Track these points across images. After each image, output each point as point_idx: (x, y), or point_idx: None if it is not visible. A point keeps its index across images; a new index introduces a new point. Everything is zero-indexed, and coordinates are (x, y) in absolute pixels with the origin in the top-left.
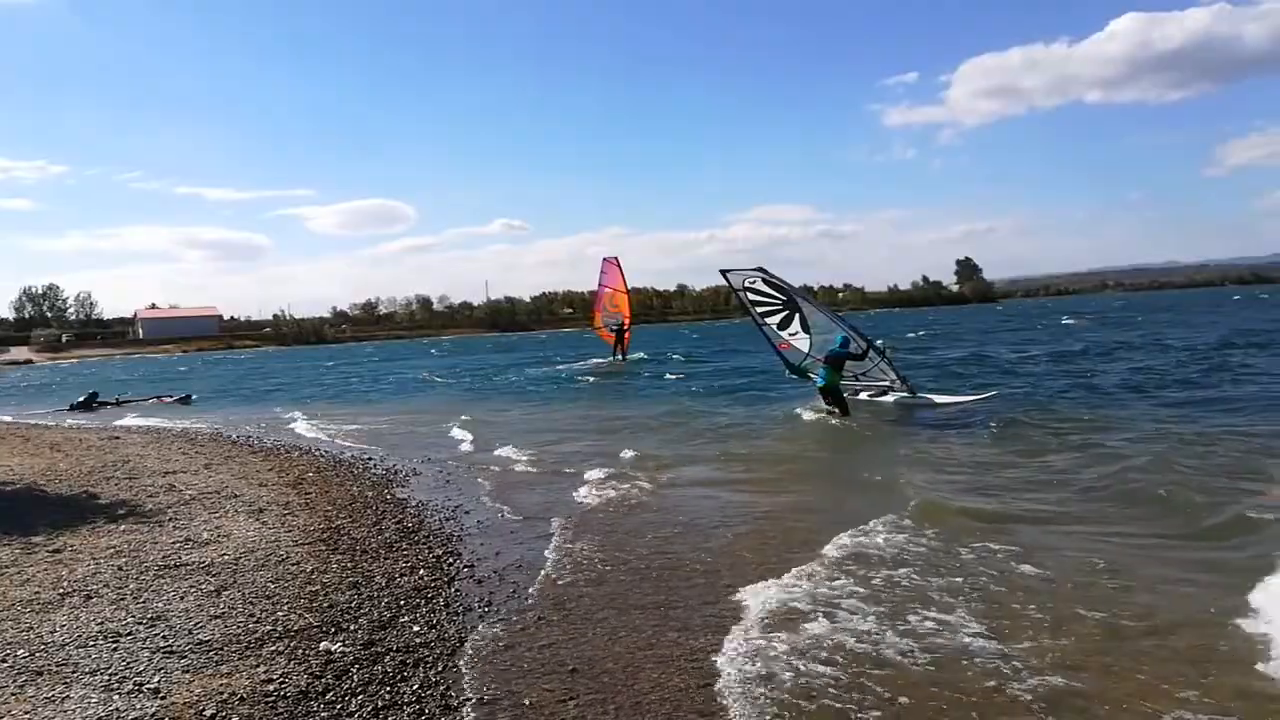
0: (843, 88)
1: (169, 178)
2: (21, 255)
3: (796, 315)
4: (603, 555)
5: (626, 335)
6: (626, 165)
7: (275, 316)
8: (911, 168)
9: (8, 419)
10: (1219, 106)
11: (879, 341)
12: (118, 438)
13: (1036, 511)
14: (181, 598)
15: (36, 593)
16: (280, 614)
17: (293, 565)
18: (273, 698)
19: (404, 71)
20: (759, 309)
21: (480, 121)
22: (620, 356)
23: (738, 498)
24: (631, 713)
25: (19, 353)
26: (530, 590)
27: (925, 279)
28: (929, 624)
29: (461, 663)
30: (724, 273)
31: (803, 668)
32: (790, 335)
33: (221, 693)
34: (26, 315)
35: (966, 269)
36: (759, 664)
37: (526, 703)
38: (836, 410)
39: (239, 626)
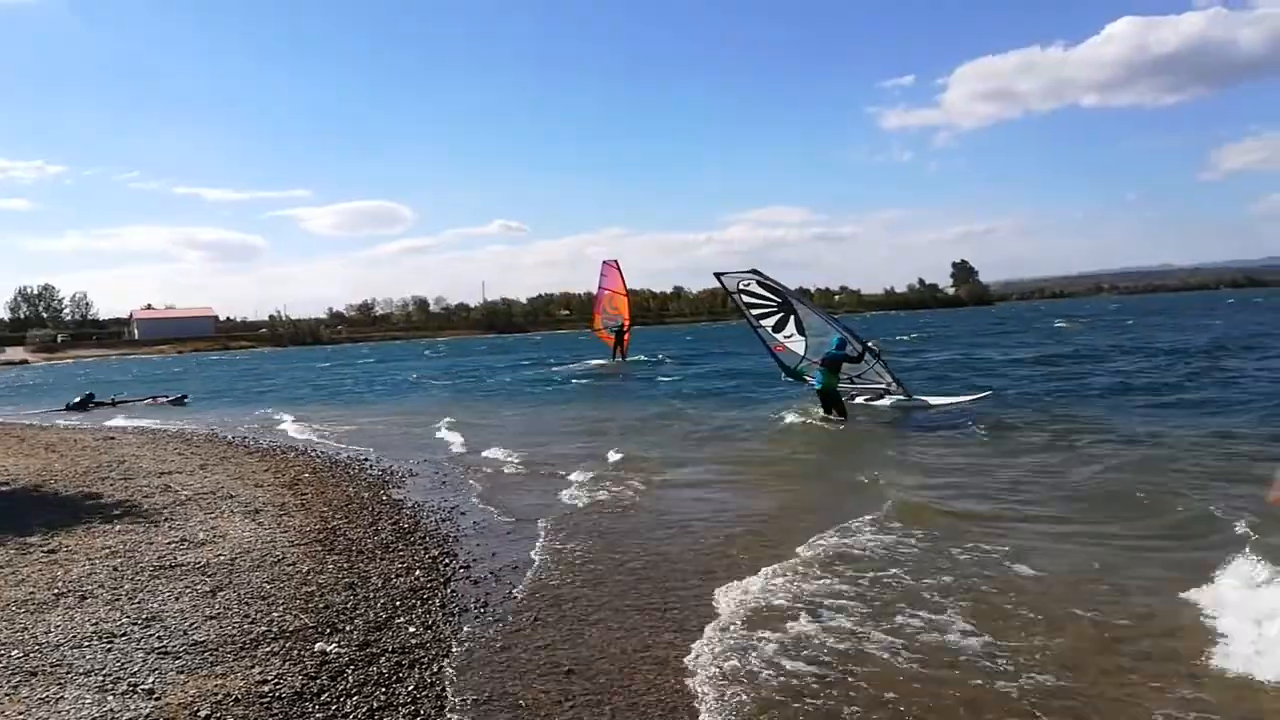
0: (840, 90)
1: (167, 178)
2: (19, 255)
3: (791, 317)
4: (597, 557)
5: (626, 337)
6: (625, 166)
7: (271, 317)
8: (908, 170)
9: (3, 419)
10: (1214, 111)
11: (872, 343)
12: (113, 438)
13: (1016, 512)
14: (177, 598)
15: (31, 593)
16: (276, 615)
17: (288, 566)
18: (268, 699)
19: (404, 71)
20: (754, 311)
21: (480, 122)
22: (620, 358)
23: (728, 498)
24: (627, 713)
25: (14, 353)
26: (525, 591)
27: (921, 281)
28: (915, 622)
29: (457, 664)
30: (718, 276)
31: (790, 666)
32: (785, 338)
33: (216, 693)
34: (22, 315)
35: (963, 271)
36: (752, 663)
37: (522, 704)
38: (834, 412)
39: (234, 627)
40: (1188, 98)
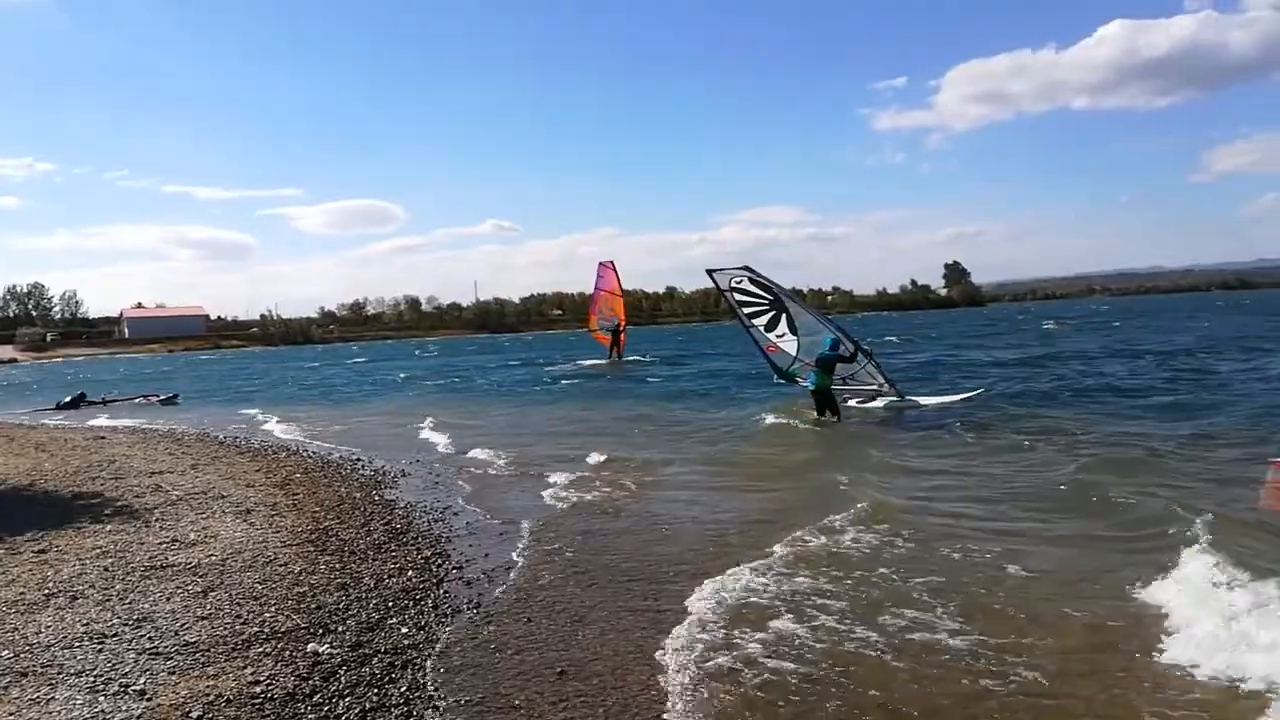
0: (832, 91)
1: (157, 176)
2: (8, 254)
3: (783, 316)
4: (588, 558)
5: (622, 337)
6: (619, 166)
7: (262, 316)
8: (900, 171)
9: None
10: (1205, 113)
11: (864, 344)
12: (103, 438)
13: (992, 511)
14: (168, 599)
15: (21, 593)
16: (267, 615)
17: (280, 566)
18: (259, 699)
19: (402, 71)
20: (746, 309)
21: (477, 122)
22: (617, 357)
23: (714, 499)
24: (621, 714)
25: (3, 352)
26: (518, 592)
27: (913, 282)
28: (901, 621)
29: (450, 665)
30: (710, 273)
31: (780, 665)
32: (778, 337)
33: (208, 694)
34: (11, 314)
35: (955, 273)
36: (743, 663)
37: (515, 705)
38: (828, 413)
39: (226, 628)
40: (1179, 100)
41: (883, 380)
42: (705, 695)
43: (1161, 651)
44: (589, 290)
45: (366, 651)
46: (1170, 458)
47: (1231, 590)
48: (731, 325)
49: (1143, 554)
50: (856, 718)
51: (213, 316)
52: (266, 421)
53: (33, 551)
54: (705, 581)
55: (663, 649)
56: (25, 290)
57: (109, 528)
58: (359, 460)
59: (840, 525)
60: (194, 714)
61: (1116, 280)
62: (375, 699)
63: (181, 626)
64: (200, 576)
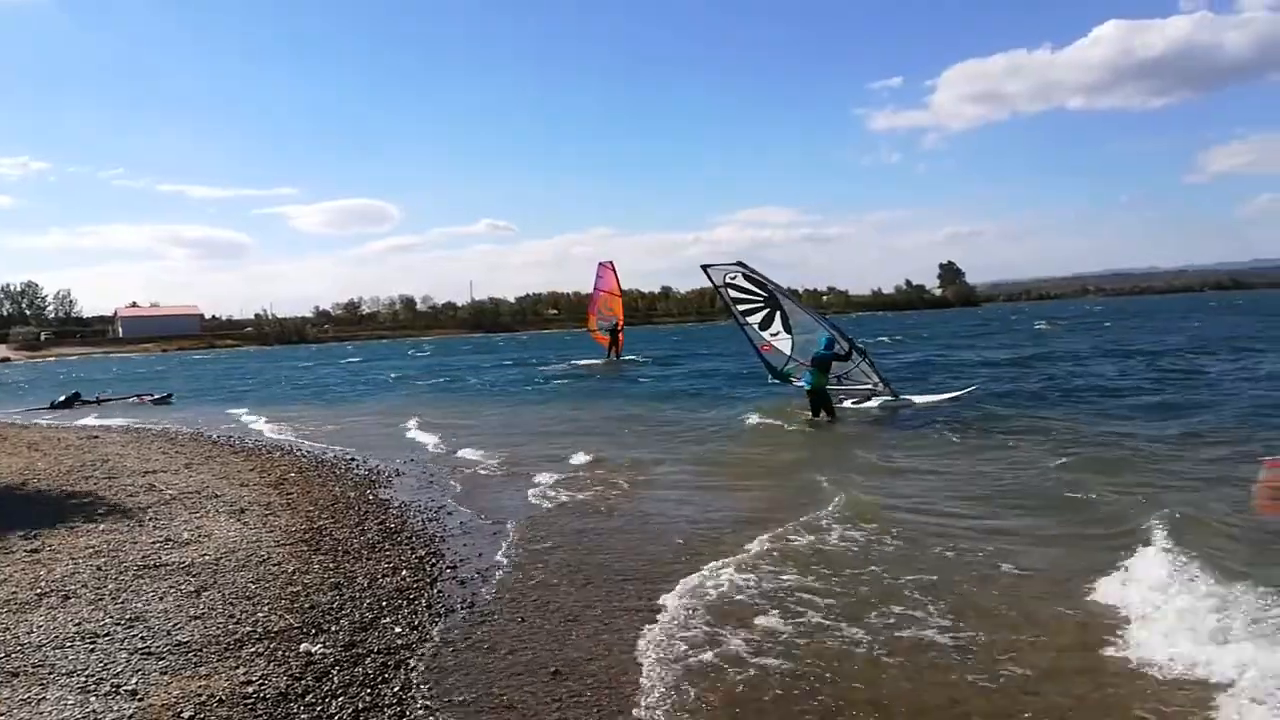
0: (829, 91)
1: (152, 175)
2: (2, 252)
3: (778, 313)
4: (582, 557)
5: (620, 337)
6: (616, 166)
7: (257, 316)
8: (896, 171)
9: None
10: (1201, 114)
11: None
12: (97, 437)
13: (968, 509)
14: (161, 598)
15: (13, 593)
16: (260, 615)
17: (274, 566)
18: (252, 700)
19: (402, 71)
20: (740, 307)
21: (475, 122)
22: (615, 357)
23: (704, 499)
24: (615, 713)
25: None
26: (512, 592)
27: (908, 283)
28: (889, 619)
29: (443, 664)
30: (705, 268)
31: (772, 663)
32: (772, 336)
33: (200, 694)
34: (5, 313)
35: (949, 273)
36: (735, 661)
37: (509, 704)
38: (822, 413)
39: (218, 628)
40: (1174, 100)
41: (877, 379)
42: (698, 693)
43: (1136, 648)
44: (584, 290)
45: (360, 651)
46: (1153, 457)
47: (1199, 585)
48: (726, 325)
49: (1112, 551)
50: (851, 713)
51: (208, 316)
52: (256, 421)
53: (25, 551)
54: (696, 580)
55: (656, 648)
56: (19, 289)
57: (102, 527)
58: (353, 460)
59: (826, 524)
60: (186, 714)
61: (1112, 280)
62: (368, 699)
63: (174, 626)
64: (193, 576)
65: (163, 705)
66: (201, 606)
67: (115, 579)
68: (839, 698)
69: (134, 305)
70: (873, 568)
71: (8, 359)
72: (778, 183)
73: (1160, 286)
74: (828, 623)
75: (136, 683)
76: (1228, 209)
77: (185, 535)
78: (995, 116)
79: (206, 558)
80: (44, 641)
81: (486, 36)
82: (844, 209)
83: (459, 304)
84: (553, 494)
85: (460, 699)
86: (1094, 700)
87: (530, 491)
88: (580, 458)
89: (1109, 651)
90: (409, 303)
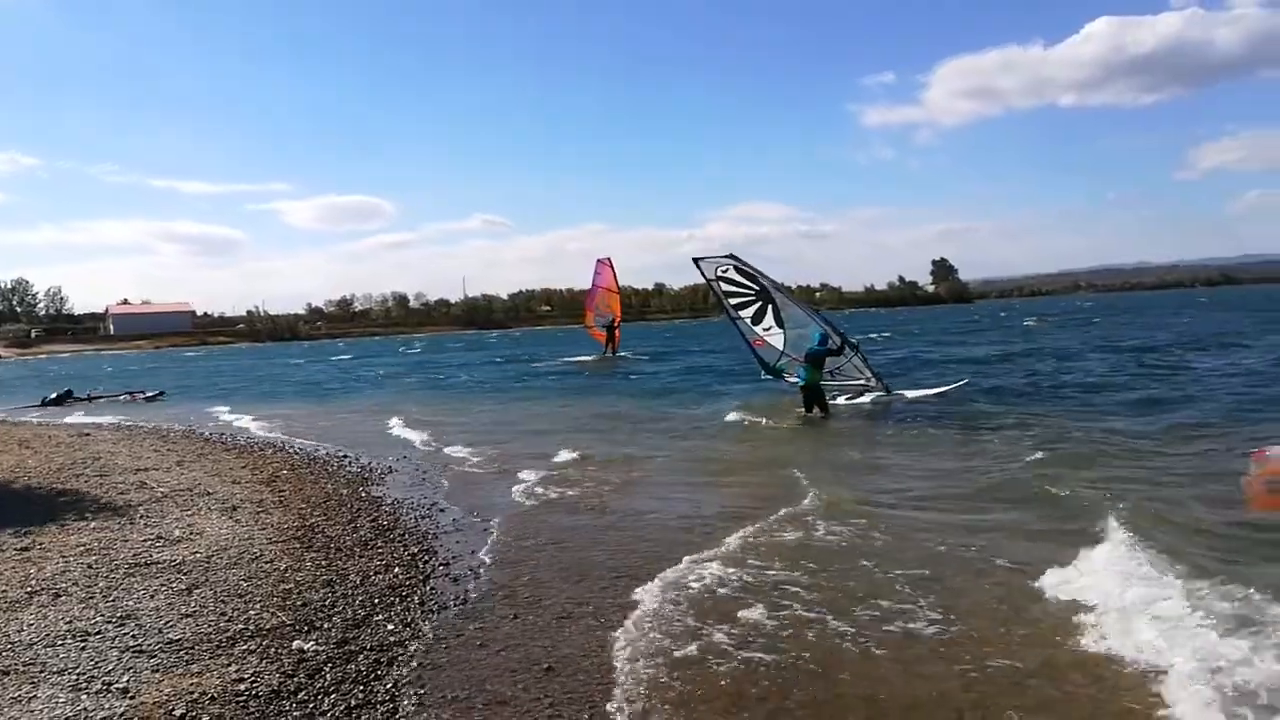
0: (822, 86)
1: (143, 171)
2: None
3: (770, 307)
4: (576, 554)
5: (617, 333)
6: (611, 164)
7: (249, 313)
8: (889, 168)
9: None
10: (1191, 110)
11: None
12: (88, 434)
13: (941, 504)
14: (152, 596)
15: (4, 591)
16: (252, 612)
17: (266, 563)
18: (244, 697)
19: (402, 71)
20: (732, 300)
21: (475, 121)
22: (611, 353)
23: (698, 495)
24: (607, 708)
25: None
26: (504, 588)
27: (901, 279)
28: (873, 612)
29: (436, 661)
30: (696, 261)
31: (763, 658)
32: (764, 331)
33: (192, 692)
34: None
35: (942, 269)
36: (727, 656)
37: (501, 700)
38: (816, 409)
39: (210, 625)
40: (1165, 97)
41: (869, 374)
42: (689, 688)
43: (1104, 640)
44: (578, 286)
45: (352, 648)
46: (1134, 452)
47: (1170, 579)
48: (719, 322)
49: (1085, 545)
50: (844, 707)
51: (200, 313)
52: (240, 419)
53: (16, 549)
54: (684, 575)
55: (648, 643)
56: (9, 286)
57: (93, 525)
58: (346, 457)
59: (811, 519)
60: (177, 712)
61: (1103, 276)
62: (361, 696)
63: (165, 624)
64: (185, 574)
65: (154, 703)
66: (193, 604)
67: (106, 577)
68: (828, 690)
69: (125, 302)
70: (852, 562)
71: None
72: (771, 179)
73: (1151, 282)
74: (811, 615)
75: (128, 680)
76: (1218, 205)
77: (177, 533)
78: (988, 112)
79: (198, 555)
80: (35, 640)
81: (486, 36)
82: (837, 205)
83: (452, 301)
84: (544, 491)
85: (453, 695)
86: (1060, 696)
87: (521, 488)
88: (572, 455)
89: (1079, 644)
90: (402, 300)
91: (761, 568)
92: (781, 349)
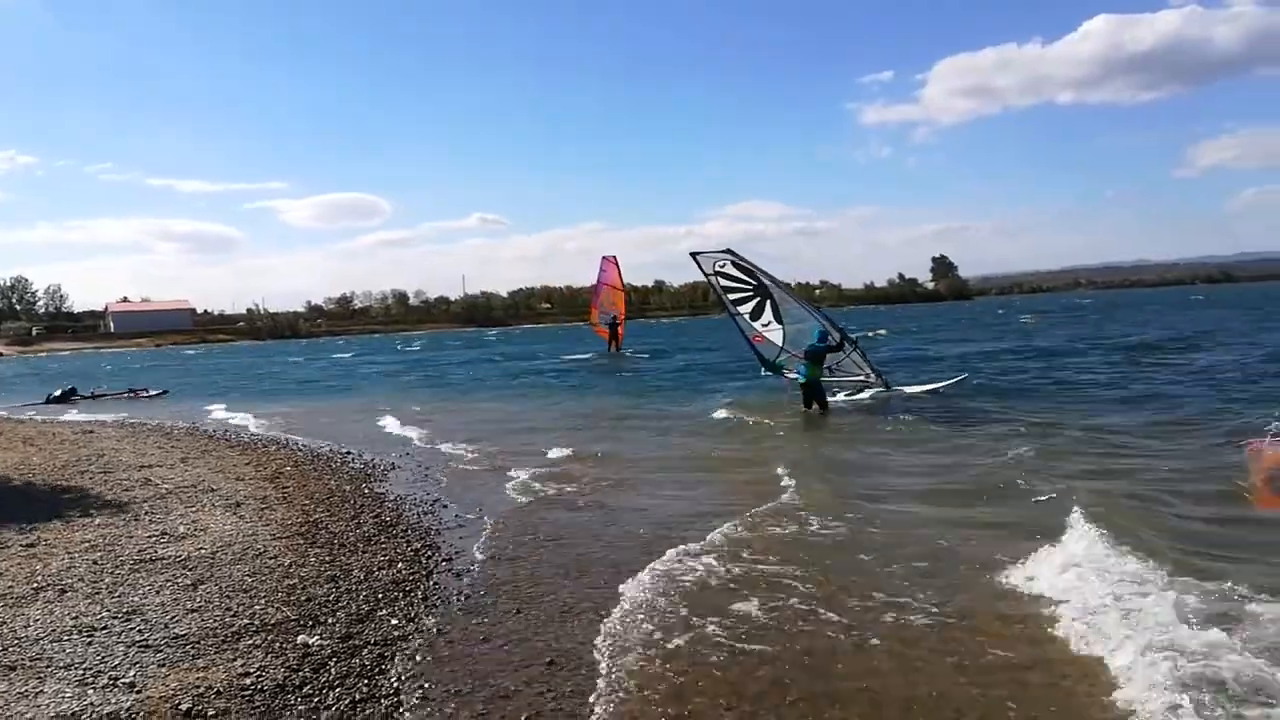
0: (820, 86)
1: (140, 169)
2: None
3: (768, 303)
4: (580, 549)
5: (620, 330)
6: (608, 163)
7: (249, 310)
8: (887, 166)
9: None
10: (1190, 108)
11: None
12: (92, 432)
13: (919, 500)
14: (157, 592)
15: (10, 587)
16: (257, 607)
17: (270, 559)
18: (249, 691)
19: (402, 71)
20: (730, 295)
21: (475, 121)
22: (614, 350)
23: (699, 492)
24: (610, 703)
25: None
26: (507, 583)
27: (901, 276)
28: (852, 604)
29: (440, 655)
30: (694, 255)
31: (755, 649)
32: (763, 326)
33: (198, 686)
34: None
35: (942, 266)
36: (720, 649)
37: (505, 694)
38: (815, 405)
39: (215, 620)
40: (1164, 95)
41: (868, 370)
42: (690, 679)
43: (1065, 630)
44: (576, 284)
45: (357, 643)
46: (1120, 447)
47: (1140, 573)
48: (719, 318)
49: (1055, 539)
50: (836, 699)
51: (199, 310)
52: (235, 417)
53: (21, 545)
54: (682, 569)
55: (647, 640)
56: (9, 284)
57: (98, 521)
58: (349, 454)
59: (805, 514)
60: (183, 706)
61: (1103, 274)
62: (365, 690)
63: (171, 619)
64: (190, 569)
65: (160, 697)
66: (198, 599)
67: (111, 573)
68: (826, 685)
69: (125, 300)
70: (844, 556)
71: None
72: (769, 177)
73: (1151, 279)
74: (805, 608)
75: (134, 675)
76: (1216, 203)
77: (181, 529)
78: (985, 111)
79: (203, 551)
80: (41, 635)
81: (486, 36)
82: (835, 203)
83: (451, 298)
84: (542, 487)
85: (457, 689)
86: (1021, 693)
87: (521, 485)
88: (570, 451)
89: (1059, 638)
90: (401, 297)
91: (754, 562)
92: (781, 344)
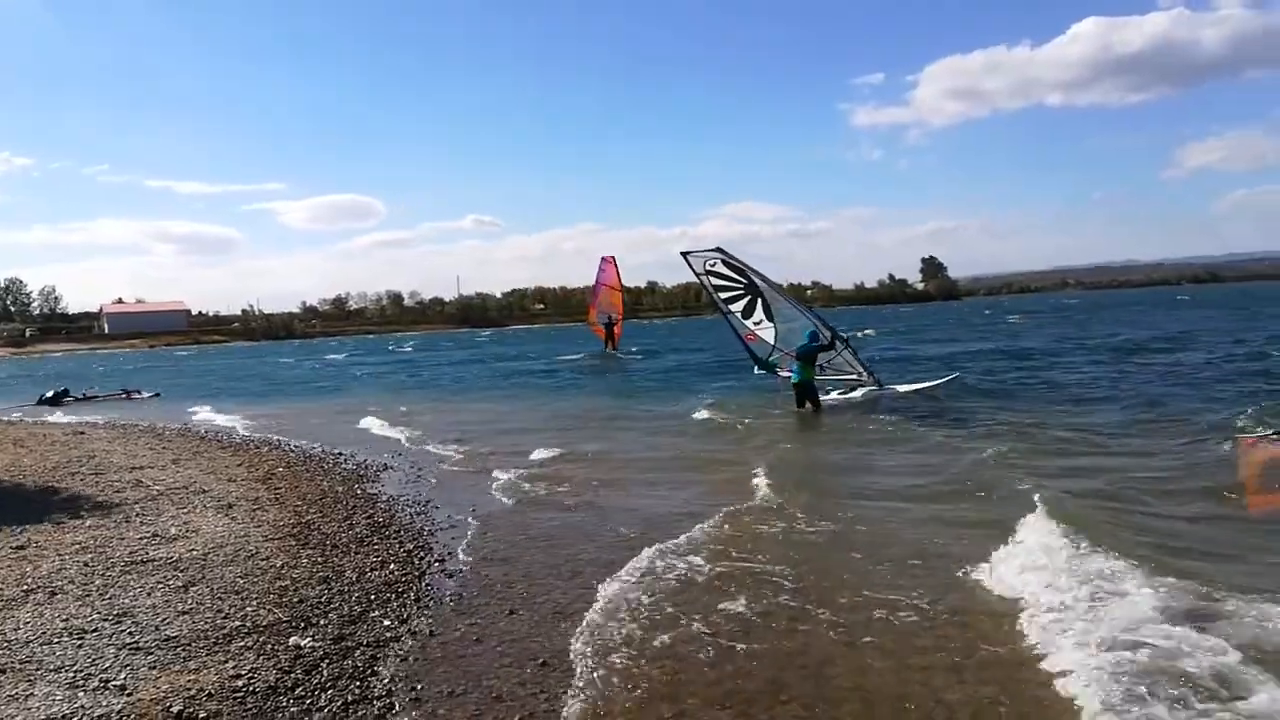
0: (813, 87)
1: (138, 171)
2: None
3: (759, 301)
4: (572, 550)
5: (617, 330)
6: (605, 164)
7: (244, 311)
8: (879, 167)
9: None
10: (1178, 110)
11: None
12: (83, 433)
13: (894, 498)
14: (148, 594)
15: (0, 590)
16: (249, 609)
17: (262, 560)
18: (241, 693)
19: (402, 71)
20: (721, 294)
21: (475, 121)
22: (611, 350)
23: (690, 493)
24: (603, 702)
25: None
26: (500, 584)
27: (891, 277)
28: (859, 599)
29: (432, 656)
30: (685, 255)
31: (744, 648)
32: (755, 325)
33: (189, 689)
34: None
35: (931, 267)
36: (711, 648)
37: (498, 695)
38: (808, 405)
39: (207, 622)
40: (1152, 97)
41: (860, 369)
42: (687, 679)
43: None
44: (571, 285)
45: (349, 645)
46: (1098, 446)
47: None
48: (711, 318)
49: (1037, 536)
50: (828, 697)
51: (195, 312)
52: (216, 419)
53: (11, 548)
54: (669, 567)
55: (642, 640)
56: (3, 285)
57: (89, 523)
58: (341, 454)
59: (792, 513)
60: (175, 708)
61: (1091, 274)
62: (358, 692)
63: (162, 621)
64: (181, 571)
65: (151, 699)
66: (190, 601)
67: (102, 575)
68: (821, 685)
69: (120, 301)
70: (833, 552)
71: None
72: (763, 178)
73: (1139, 280)
74: (794, 605)
75: (125, 677)
76: (1204, 204)
77: (173, 531)
78: (975, 113)
79: (194, 553)
80: (31, 638)
81: (486, 36)
82: (828, 205)
83: (446, 299)
84: (536, 488)
85: (449, 690)
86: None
87: (515, 485)
88: (563, 451)
89: (1018, 638)
90: (396, 298)
91: (741, 560)
92: (773, 343)
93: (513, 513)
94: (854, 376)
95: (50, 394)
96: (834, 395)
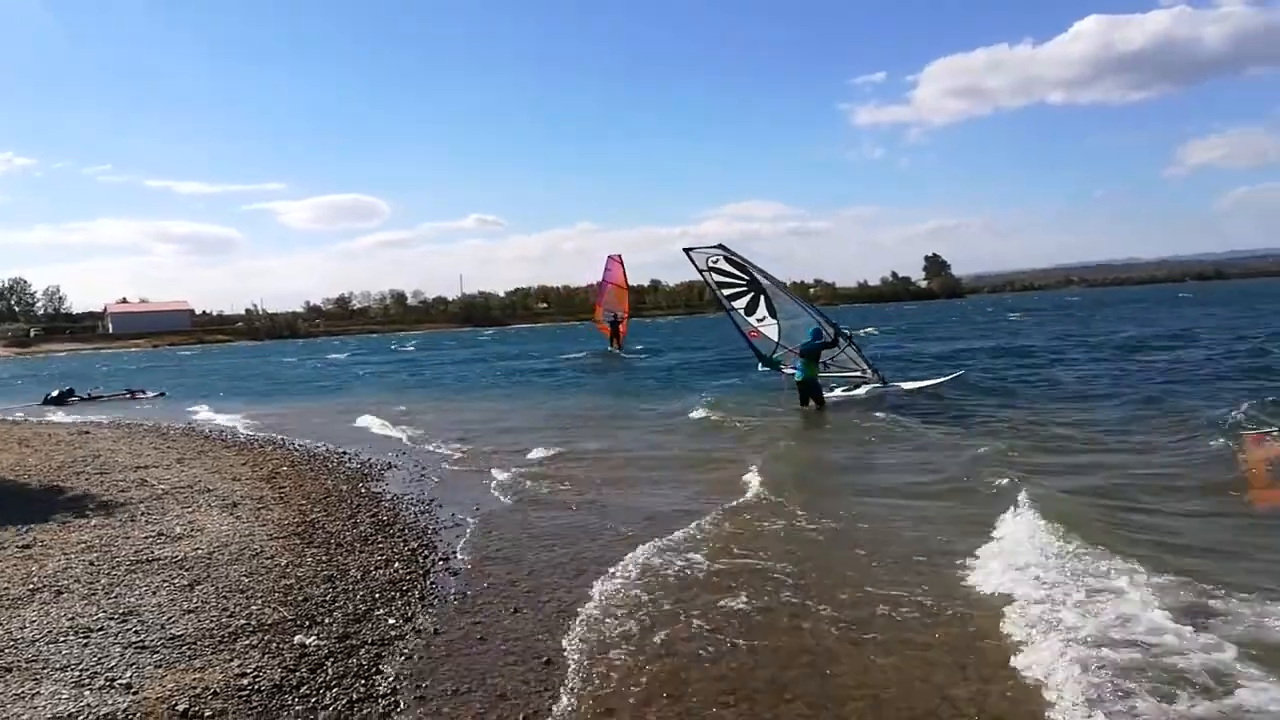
0: (814, 87)
1: (139, 171)
2: None
3: (761, 298)
4: (576, 548)
5: (622, 328)
6: (606, 163)
7: (248, 311)
8: (881, 166)
9: None
10: (1180, 108)
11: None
12: (88, 432)
13: (886, 496)
14: (154, 592)
15: (6, 588)
16: (254, 608)
17: (267, 559)
18: (246, 691)
19: (402, 71)
20: (724, 291)
21: (475, 121)
22: (616, 348)
23: (688, 491)
24: (607, 700)
25: None
26: (505, 582)
27: (894, 275)
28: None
29: (437, 654)
30: (687, 251)
31: (742, 644)
32: (758, 321)
33: (194, 687)
34: None
35: (935, 265)
36: (709, 645)
37: (502, 694)
38: (811, 403)
39: (212, 621)
40: (1154, 94)
41: (864, 366)
42: (692, 676)
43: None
44: (574, 283)
45: (354, 643)
46: (1097, 442)
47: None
48: (714, 316)
49: (1030, 534)
50: (831, 694)
51: (198, 311)
52: (217, 419)
53: (17, 547)
54: (668, 565)
55: (641, 640)
56: (7, 285)
57: (94, 522)
58: (345, 453)
59: (793, 508)
60: (180, 707)
61: (1094, 272)
62: (362, 690)
63: (168, 620)
64: (186, 570)
65: (157, 698)
66: (195, 600)
67: (108, 574)
68: (824, 683)
69: (124, 301)
70: (834, 550)
71: None
72: (764, 177)
73: (1141, 277)
74: (796, 601)
75: (131, 676)
76: (1206, 202)
77: (178, 530)
78: (977, 111)
79: (199, 552)
80: (37, 637)
81: (486, 36)
82: (829, 203)
83: (449, 298)
84: (539, 486)
85: (454, 689)
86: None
87: (518, 484)
88: (568, 450)
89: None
90: (399, 297)
91: (742, 557)
92: (777, 340)
93: (515, 511)
94: (858, 374)
95: (55, 394)
96: (838, 392)
